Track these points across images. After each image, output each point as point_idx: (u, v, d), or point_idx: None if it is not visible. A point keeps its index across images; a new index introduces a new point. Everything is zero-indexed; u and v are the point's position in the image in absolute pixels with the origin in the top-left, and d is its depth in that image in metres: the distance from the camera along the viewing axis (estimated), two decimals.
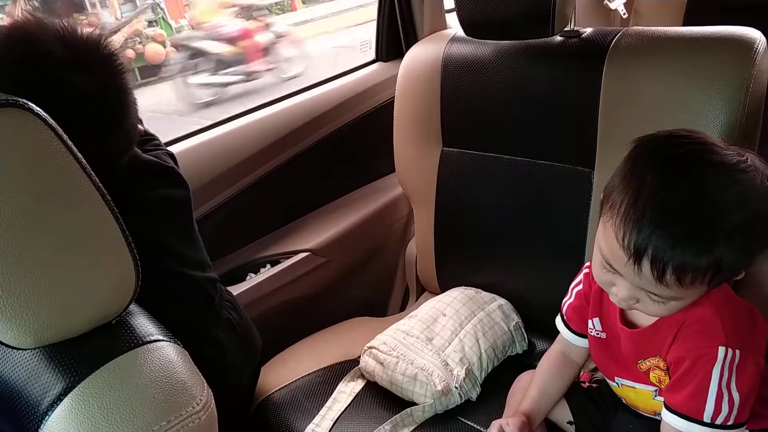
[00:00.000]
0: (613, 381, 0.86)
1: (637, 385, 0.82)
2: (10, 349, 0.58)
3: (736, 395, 0.68)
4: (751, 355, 0.69)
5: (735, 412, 0.68)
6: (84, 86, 0.74)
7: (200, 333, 0.92)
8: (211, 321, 0.96)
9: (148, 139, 0.94)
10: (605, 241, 0.68)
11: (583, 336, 0.89)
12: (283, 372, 1.12)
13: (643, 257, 0.62)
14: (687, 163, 0.64)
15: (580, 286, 0.89)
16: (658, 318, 0.75)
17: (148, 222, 0.84)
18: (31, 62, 0.71)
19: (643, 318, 0.78)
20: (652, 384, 0.79)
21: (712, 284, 0.65)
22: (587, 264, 0.89)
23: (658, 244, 0.61)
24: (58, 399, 0.54)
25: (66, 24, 0.75)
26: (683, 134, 0.67)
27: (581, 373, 0.96)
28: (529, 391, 0.91)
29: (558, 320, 0.93)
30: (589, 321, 0.86)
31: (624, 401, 0.88)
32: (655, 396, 0.80)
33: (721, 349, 0.68)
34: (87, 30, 0.77)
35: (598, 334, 0.85)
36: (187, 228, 0.96)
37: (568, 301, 0.91)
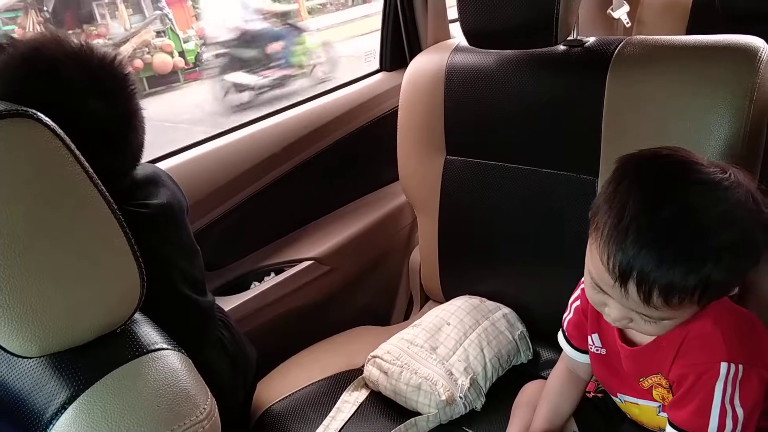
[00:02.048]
0: (616, 397, 0.86)
1: (640, 401, 0.81)
2: (16, 358, 0.58)
3: (740, 411, 0.67)
4: (755, 368, 0.68)
5: (739, 427, 0.67)
6: (95, 109, 0.75)
7: (189, 353, 0.90)
8: (200, 341, 0.95)
9: None
10: (592, 264, 0.67)
11: (586, 352, 0.88)
12: (287, 381, 1.12)
13: (628, 280, 0.62)
14: (670, 182, 0.63)
15: (578, 302, 0.88)
16: (656, 337, 0.74)
17: (158, 235, 0.84)
18: (45, 82, 0.72)
19: (642, 335, 0.77)
20: (656, 400, 0.78)
21: (702, 302, 0.64)
22: (583, 279, 0.88)
23: (643, 266, 0.60)
24: (63, 407, 0.54)
25: (83, 44, 0.77)
26: (665, 153, 0.66)
27: None
28: (539, 409, 0.90)
29: (560, 337, 0.92)
30: (589, 337, 0.85)
31: (628, 416, 0.87)
32: (659, 412, 0.80)
33: (723, 365, 0.67)
34: (103, 51, 0.78)
35: (598, 350, 0.84)
36: (188, 243, 0.95)
37: (568, 316, 0.91)
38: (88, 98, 0.75)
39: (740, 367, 0.67)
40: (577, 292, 0.89)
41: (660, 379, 0.75)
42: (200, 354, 0.92)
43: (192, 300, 0.93)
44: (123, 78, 0.80)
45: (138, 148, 0.85)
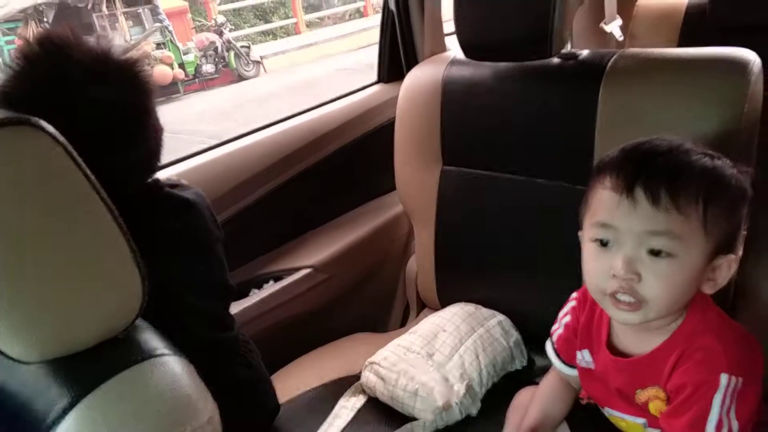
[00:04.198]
0: (604, 409, 0.86)
1: (626, 417, 0.81)
2: (16, 363, 0.58)
3: (735, 424, 0.67)
4: (751, 383, 0.68)
5: None
6: (97, 96, 0.74)
7: None
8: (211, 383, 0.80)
9: (175, 184, 0.91)
10: (598, 204, 0.71)
11: (575, 367, 0.88)
12: (285, 388, 1.11)
13: (635, 186, 0.66)
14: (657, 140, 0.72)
15: (568, 318, 0.89)
16: (653, 348, 0.74)
17: (154, 261, 0.79)
18: (60, 71, 0.72)
19: (635, 347, 0.77)
20: (648, 415, 0.78)
21: (709, 224, 0.65)
22: (574, 296, 0.89)
23: (646, 169, 0.66)
24: (64, 413, 0.54)
25: (102, 40, 0.77)
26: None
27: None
28: (530, 411, 0.91)
29: (549, 349, 0.93)
30: (578, 353, 0.85)
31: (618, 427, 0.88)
32: (646, 428, 0.80)
33: (724, 377, 0.67)
34: (120, 48, 0.78)
35: (587, 365, 0.85)
36: (205, 275, 0.88)
37: (557, 330, 0.91)
38: (94, 88, 0.73)
39: (740, 380, 0.67)
40: (567, 308, 0.90)
41: (657, 391, 0.75)
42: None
43: (203, 340, 0.86)
44: (135, 71, 0.78)
45: (150, 150, 0.82)
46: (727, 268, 0.69)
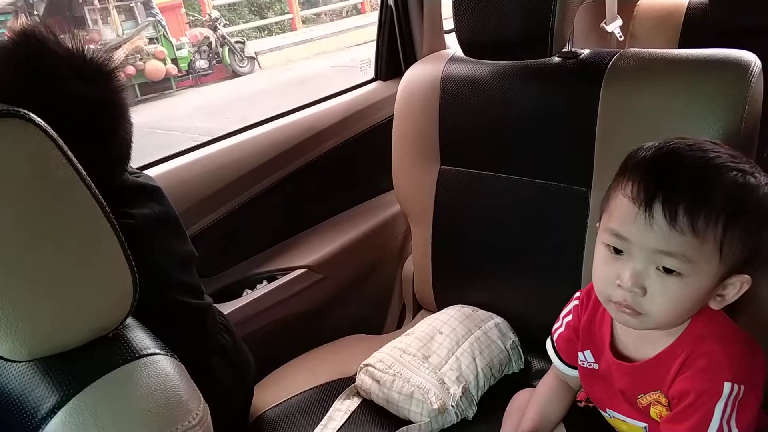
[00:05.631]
0: (605, 412, 0.86)
1: (627, 420, 0.81)
2: (5, 362, 0.58)
3: (735, 431, 0.67)
4: (753, 390, 0.68)
5: None
6: (79, 93, 0.77)
7: (192, 359, 0.88)
8: (202, 346, 0.95)
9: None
10: (616, 210, 0.69)
11: (575, 367, 0.88)
12: (279, 389, 1.11)
13: (654, 201, 0.64)
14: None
15: (570, 317, 0.88)
16: (657, 352, 0.74)
17: (146, 246, 0.83)
18: (42, 63, 0.75)
19: (639, 350, 0.77)
20: (651, 420, 0.77)
21: (725, 248, 0.64)
22: (577, 295, 0.88)
23: (667, 185, 0.64)
24: (52, 412, 0.54)
25: (78, 42, 0.80)
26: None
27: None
28: (528, 413, 0.90)
29: (549, 348, 0.92)
30: (580, 353, 0.85)
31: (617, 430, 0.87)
32: (646, 431, 0.80)
33: (727, 385, 0.67)
34: (94, 48, 0.82)
35: (590, 365, 0.84)
36: (181, 250, 0.95)
37: (559, 329, 0.90)
38: (77, 83, 0.77)
39: (741, 387, 0.67)
40: (569, 307, 0.89)
41: (659, 396, 0.74)
42: (204, 361, 0.92)
43: (186, 305, 0.93)
44: (109, 70, 0.82)
45: (126, 144, 0.86)
46: (738, 286, 0.69)
